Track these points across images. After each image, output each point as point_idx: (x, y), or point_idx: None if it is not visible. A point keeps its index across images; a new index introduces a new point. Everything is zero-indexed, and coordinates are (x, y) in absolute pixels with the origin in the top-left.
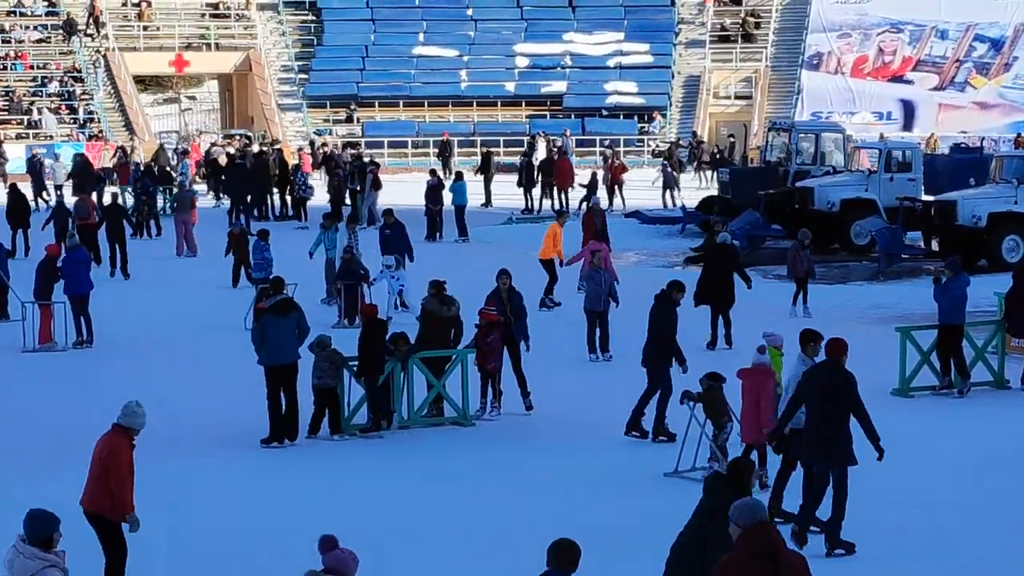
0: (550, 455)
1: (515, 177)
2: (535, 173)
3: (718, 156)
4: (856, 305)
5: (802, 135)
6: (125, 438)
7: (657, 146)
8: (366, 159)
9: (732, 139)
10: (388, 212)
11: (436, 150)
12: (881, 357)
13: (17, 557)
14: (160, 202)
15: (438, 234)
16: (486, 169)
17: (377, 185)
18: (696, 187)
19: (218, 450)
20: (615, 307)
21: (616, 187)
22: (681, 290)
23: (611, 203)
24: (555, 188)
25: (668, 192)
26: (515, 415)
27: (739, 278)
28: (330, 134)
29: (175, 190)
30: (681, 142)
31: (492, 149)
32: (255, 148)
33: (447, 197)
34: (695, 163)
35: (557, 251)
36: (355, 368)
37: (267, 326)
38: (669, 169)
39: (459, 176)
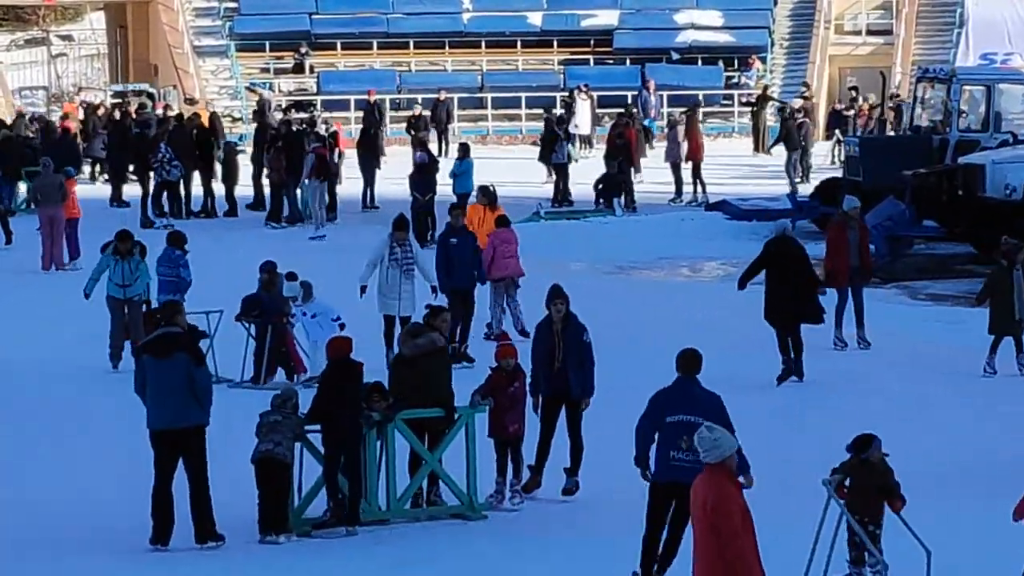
0: (602, 561)
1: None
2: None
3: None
4: None
5: (967, 87)
6: (726, 478)
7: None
8: (311, 127)
9: (854, 93)
10: (456, 209)
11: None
12: None
13: None
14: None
15: (430, 236)
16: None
17: (324, 172)
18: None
19: (112, 555)
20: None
21: (694, 167)
22: None
23: (683, 191)
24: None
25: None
26: (547, 501)
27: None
28: (270, 88)
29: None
30: (770, 92)
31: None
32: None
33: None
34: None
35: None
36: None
37: (147, 371)
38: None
39: (464, 151)
